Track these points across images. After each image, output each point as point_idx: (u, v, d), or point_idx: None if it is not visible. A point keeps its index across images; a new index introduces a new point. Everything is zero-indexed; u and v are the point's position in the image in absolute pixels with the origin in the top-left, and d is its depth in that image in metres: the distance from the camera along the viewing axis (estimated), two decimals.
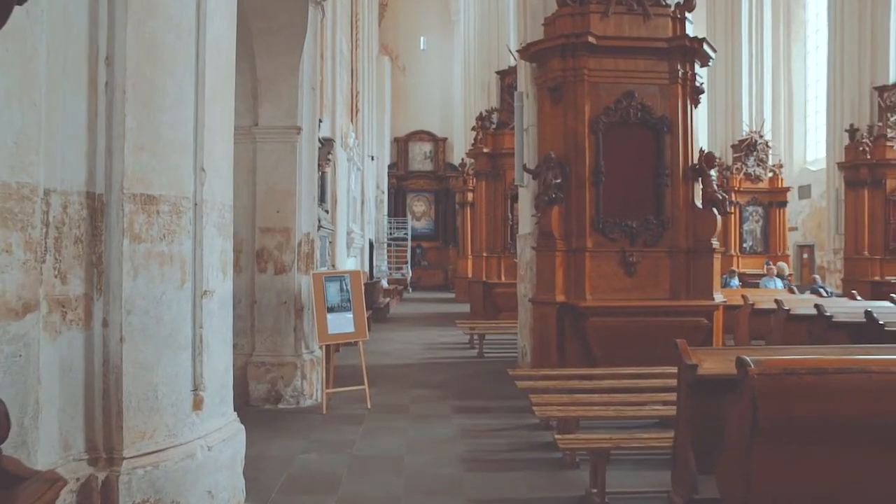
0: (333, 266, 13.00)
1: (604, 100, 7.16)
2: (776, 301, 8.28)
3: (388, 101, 27.11)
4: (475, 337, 11.19)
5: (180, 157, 3.60)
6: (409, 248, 27.32)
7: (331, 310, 7.23)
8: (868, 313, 7.00)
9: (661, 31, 7.26)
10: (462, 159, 22.77)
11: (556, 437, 4.78)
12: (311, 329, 7.35)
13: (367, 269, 20.94)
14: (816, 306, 7.56)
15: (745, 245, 17.77)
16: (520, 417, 6.47)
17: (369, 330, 9.64)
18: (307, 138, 7.53)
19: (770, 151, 18.34)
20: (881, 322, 6.85)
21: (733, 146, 19.01)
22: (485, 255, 14.64)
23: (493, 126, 14.82)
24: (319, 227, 9.32)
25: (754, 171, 17.89)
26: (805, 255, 20.31)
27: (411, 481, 4.86)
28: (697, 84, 7.39)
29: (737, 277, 14.23)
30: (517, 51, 8.35)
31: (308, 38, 7.40)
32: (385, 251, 26.30)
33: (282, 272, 7.27)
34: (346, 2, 17.45)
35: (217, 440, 3.71)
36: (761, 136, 18.30)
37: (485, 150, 14.69)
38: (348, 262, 16.13)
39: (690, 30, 7.39)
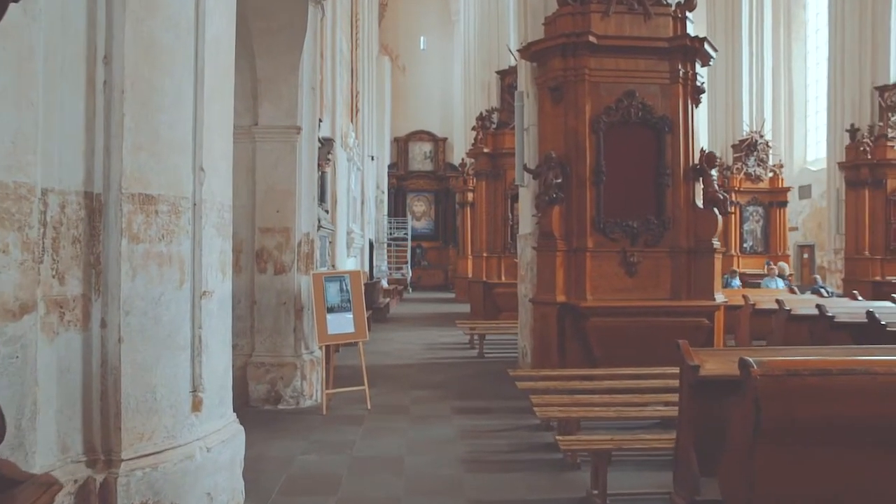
0: (333, 266, 12.98)
1: (604, 99, 7.14)
2: (777, 301, 8.26)
3: (388, 101, 27.10)
4: (475, 337, 11.17)
5: (179, 156, 3.58)
6: (409, 248, 27.31)
7: (331, 310, 7.21)
8: (870, 314, 6.98)
9: (662, 30, 7.25)
10: (462, 159, 22.75)
11: (557, 437, 4.76)
12: (311, 329, 7.33)
13: (367, 269, 20.92)
14: (818, 306, 7.54)
15: (745, 245, 17.75)
16: (520, 418, 6.45)
17: (369, 330, 9.62)
18: (307, 138, 7.51)
19: (770, 151, 18.31)
20: (883, 323, 6.83)
21: (734, 146, 18.99)
22: (485, 255, 14.61)
23: (494, 126, 14.79)
24: (319, 227, 9.30)
25: (755, 171, 17.87)
26: (805, 256, 20.29)
27: (411, 482, 4.84)
28: (698, 84, 7.37)
29: (738, 278, 14.21)
30: (518, 50, 8.33)
31: (308, 38, 7.38)
32: (385, 251, 26.28)
33: (281, 272, 7.25)
34: (346, 2, 17.43)
35: (216, 441, 3.69)
36: (762, 136, 18.28)
37: (485, 150, 14.67)
38: (348, 262, 16.11)
39: (691, 29, 7.37)
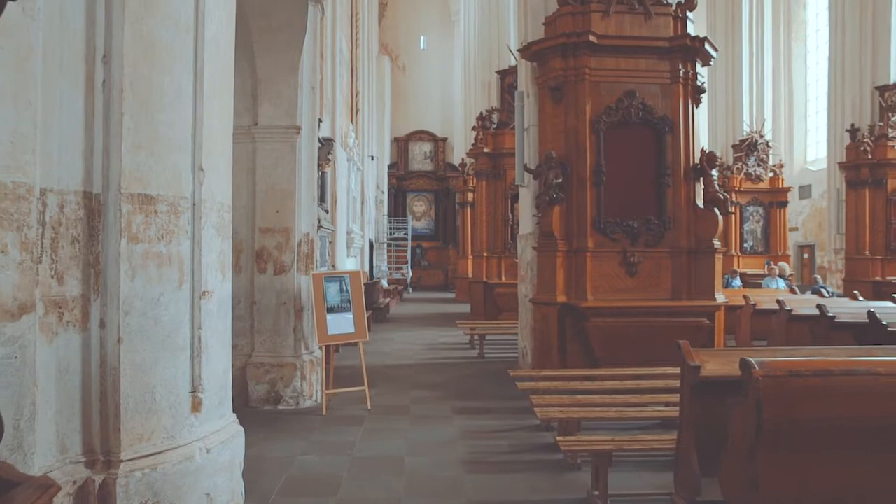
0: (333, 266, 12.97)
1: (605, 99, 7.13)
2: (778, 301, 8.25)
3: (388, 100, 27.09)
4: (475, 337, 11.15)
5: (178, 156, 3.57)
6: (409, 249, 27.30)
7: (330, 310, 7.20)
8: (871, 314, 6.97)
9: (663, 30, 7.24)
10: (462, 159, 22.75)
11: (558, 438, 4.74)
12: (311, 330, 7.32)
13: (366, 269, 20.92)
14: (819, 307, 7.53)
15: (745, 245, 17.75)
16: (521, 419, 6.44)
17: (369, 330, 9.61)
18: (307, 138, 7.50)
19: (770, 151, 18.31)
20: (884, 323, 6.81)
21: (734, 146, 18.99)
22: (485, 255, 14.61)
23: (494, 126, 14.79)
24: (319, 227, 9.29)
25: (755, 171, 17.86)
26: (805, 256, 20.28)
27: (412, 483, 4.83)
28: (699, 83, 7.36)
29: (739, 278, 14.20)
30: (518, 50, 8.32)
31: (308, 37, 7.36)
32: (385, 251, 26.28)
33: (281, 272, 7.23)
34: (346, 1, 17.43)
35: (216, 442, 3.68)
36: (762, 136, 18.27)
37: (485, 150, 14.66)
38: (348, 263, 16.10)
39: (692, 29, 7.36)
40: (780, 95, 21.61)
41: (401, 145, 28.63)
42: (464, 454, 5.48)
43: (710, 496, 3.60)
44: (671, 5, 7.31)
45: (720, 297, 7.14)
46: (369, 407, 7.02)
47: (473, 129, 15.93)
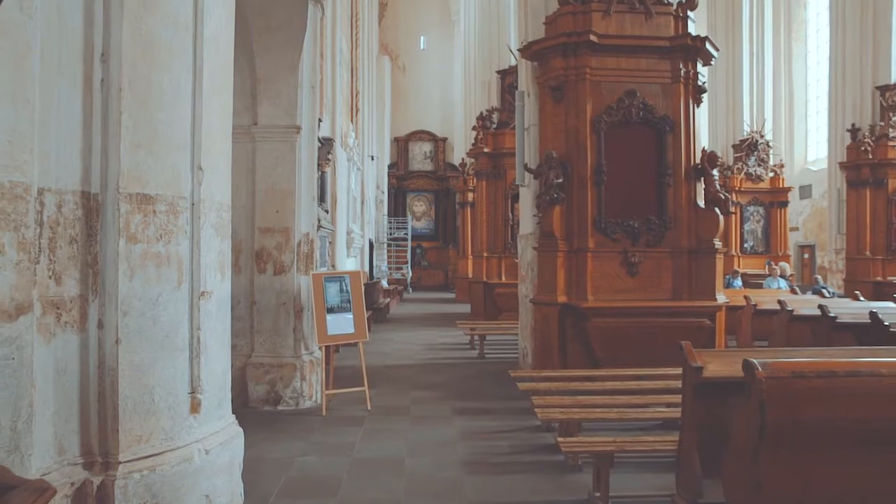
0: (333, 266, 12.95)
1: (605, 99, 7.12)
2: (779, 302, 8.23)
3: (388, 100, 27.08)
4: (476, 338, 11.13)
5: (177, 155, 3.54)
6: (409, 249, 27.29)
7: (330, 310, 7.18)
8: (873, 314, 6.94)
9: (664, 29, 7.22)
10: (462, 159, 22.73)
11: (559, 439, 4.72)
12: (311, 330, 7.30)
13: (366, 269, 20.90)
14: (820, 307, 7.51)
15: (745, 245, 17.74)
16: (521, 419, 6.42)
17: (369, 331, 9.59)
18: (307, 137, 7.48)
19: (771, 151, 18.30)
20: (886, 324, 6.79)
21: (734, 146, 18.98)
22: (485, 255, 14.59)
23: (494, 126, 14.77)
24: (319, 227, 9.27)
25: (755, 171, 17.85)
26: (806, 256, 20.27)
27: (412, 484, 4.81)
28: (700, 83, 7.34)
29: (740, 278, 14.19)
30: (518, 50, 8.30)
31: (307, 37, 7.34)
32: (385, 251, 26.26)
33: (281, 273, 7.21)
34: (345, 1, 17.40)
35: (215, 443, 3.65)
36: (762, 136, 18.26)
37: (485, 150, 14.64)
38: (348, 263, 16.09)
39: (693, 28, 7.34)
40: (780, 95, 21.60)
41: (401, 145, 28.61)
42: (464, 455, 5.46)
43: (712, 498, 3.58)
44: (672, 5, 7.29)
45: (721, 298, 7.12)
46: (369, 407, 7.00)
47: (473, 128, 15.91)
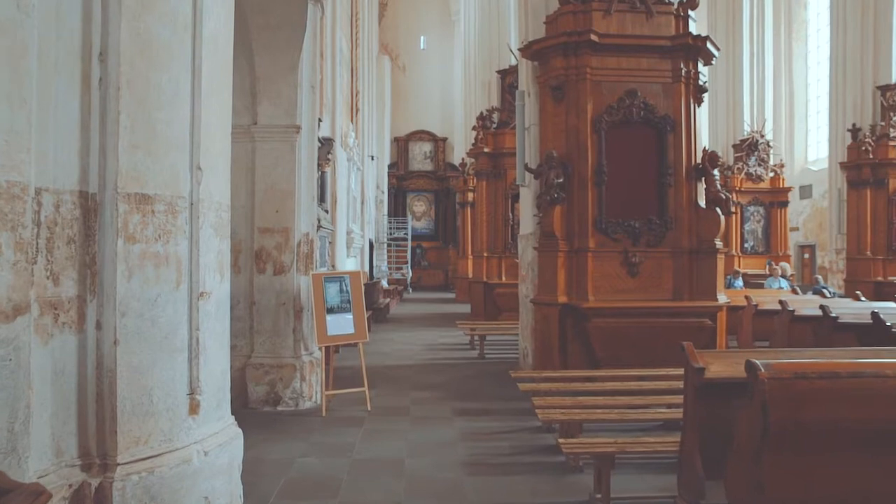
0: (333, 266, 12.93)
1: (606, 98, 7.10)
2: (781, 302, 8.20)
3: (388, 100, 27.07)
4: (476, 338, 11.11)
5: (176, 155, 3.52)
6: (409, 249, 27.27)
7: (330, 311, 7.16)
8: (875, 314, 6.92)
9: (664, 29, 7.20)
10: (462, 159, 22.72)
11: (560, 440, 4.70)
12: (311, 330, 7.28)
13: (366, 269, 20.88)
14: (822, 307, 7.48)
15: (746, 245, 17.72)
16: (522, 420, 6.40)
17: (369, 331, 9.56)
18: (306, 137, 7.46)
19: (771, 151, 18.29)
20: (888, 324, 6.77)
21: (734, 146, 18.96)
22: (485, 255, 14.57)
23: (494, 125, 14.75)
24: (319, 227, 9.24)
25: (755, 171, 17.84)
26: (806, 256, 20.25)
27: (412, 485, 4.79)
28: (701, 83, 7.33)
29: (741, 278, 14.17)
30: (519, 49, 8.28)
31: (307, 36, 7.32)
32: (385, 251, 26.24)
33: (281, 273, 7.19)
34: (345, 1, 17.38)
35: (214, 445, 3.63)
36: (762, 136, 18.25)
37: (485, 150, 14.62)
38: (348, 263, 16.07)
39: (693, 28, 7.32)
40: (780, 95, 21.59)
41: (401, 145, 28.60)
42: (464, 456, 5.44)
43: (714, 499, 3.57)
44: (673, 4, 7.28)
45: (722, 298, 7.10)
46: (369, 408, 6.98)
47: (473, 128, 15.89)
